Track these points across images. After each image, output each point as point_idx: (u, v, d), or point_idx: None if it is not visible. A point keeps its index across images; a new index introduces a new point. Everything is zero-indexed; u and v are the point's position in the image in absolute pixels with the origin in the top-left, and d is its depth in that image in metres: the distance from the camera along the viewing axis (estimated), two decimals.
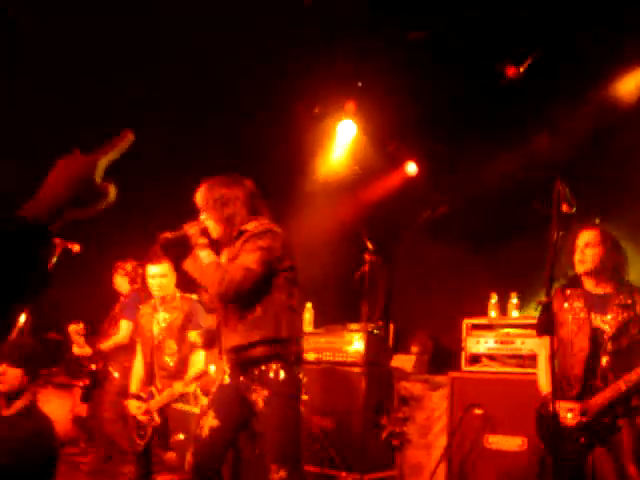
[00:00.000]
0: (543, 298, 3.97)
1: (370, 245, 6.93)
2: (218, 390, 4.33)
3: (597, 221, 4.49)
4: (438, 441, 6.34)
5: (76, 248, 6.17)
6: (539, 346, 4.71)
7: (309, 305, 7.18)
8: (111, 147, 1.68)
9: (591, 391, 4.24)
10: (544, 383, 4.45)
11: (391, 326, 7.33)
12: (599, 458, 4.46)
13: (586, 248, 4.36)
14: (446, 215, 8.63)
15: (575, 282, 4.44)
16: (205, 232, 4.30)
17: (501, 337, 5.98)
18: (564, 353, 4.37)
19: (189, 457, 4.27)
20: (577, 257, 4.37)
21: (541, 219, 4.74)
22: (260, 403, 4.07)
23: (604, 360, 4.26)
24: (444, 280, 7.98)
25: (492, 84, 7.94)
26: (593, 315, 4.34)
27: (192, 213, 4.53)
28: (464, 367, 6.15)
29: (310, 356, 6.82)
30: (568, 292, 4.44)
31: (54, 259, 5.37)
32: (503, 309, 6.26)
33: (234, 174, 4.46)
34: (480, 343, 6.08)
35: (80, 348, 7.03)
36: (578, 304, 4.37)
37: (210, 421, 4.20)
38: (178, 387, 5.80)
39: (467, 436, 5.88)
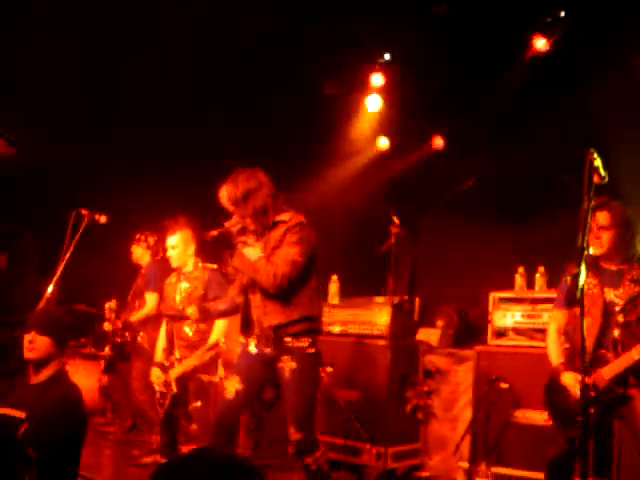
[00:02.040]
0: (573, 268, 3.96)
1: (396, 219, 6.90)
2: (243, 358, 4.81)
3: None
4: (463, 415, 6.33)
5: (103, 219, 6.20)
6: (550, 319, 4.87)
7: (335, 277, 7.16)
8: None
9: (601, 363, 4.27)
10: (554, 355, 4.54)
11: (416, 299, 7.31)
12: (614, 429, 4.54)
13: (599, 231, 4.39)
14: (474, 189, 8.56)
15: (590, 259, 4.44)
16: (244, 229, 4.71)
17: (528, 311, 5.94)
18: (575, 328, 4.41)
19: (213, 417, 4.96)
20: (592, 240, 4.38)
21: (569, 192, 4.71)
22: (287, 373, 4.57)
23: (615, 332, 4.31)
24: (470, 254, 7.93)
25: (521, 57, 7.87)
26: (606, 290, 4.39)
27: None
28: (490, 341, 6.12)
29: (335, 328, 6.82)
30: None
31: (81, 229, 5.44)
32: (530, 283, 6.21)
33: (245, 169, 4.73)
34: (507, 317, 6.04)
35: (111, 324, 7.12)
36: (592, 280, 4.38)
37: (235, 385, 4.68)
38: (191, 360, 5.87)
39: (492, 410, 5.86)
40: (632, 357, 4.18)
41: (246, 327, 4.82)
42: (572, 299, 3.85)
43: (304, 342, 4.58)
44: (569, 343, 4.60)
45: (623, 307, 4.32)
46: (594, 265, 4.42)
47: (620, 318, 4.32)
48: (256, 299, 4.72)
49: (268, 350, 4.65)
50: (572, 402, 4.30)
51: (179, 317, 6.13)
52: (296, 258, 4.54)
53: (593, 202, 3.84)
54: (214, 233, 4.69)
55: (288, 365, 4.56)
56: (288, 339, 4.58)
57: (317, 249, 4.72)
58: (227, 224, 4.71)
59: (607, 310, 4.35)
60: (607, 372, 4.23)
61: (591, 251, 4.39)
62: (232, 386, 4.69)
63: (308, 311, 4.64)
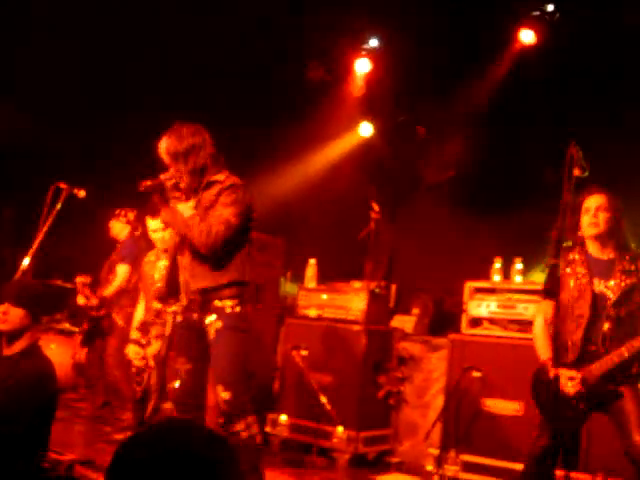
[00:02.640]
0: (551, 260, 3.95)
1: (376, 205, 6.90)
2: (177, 335, 4.70)
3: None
4: (435, 402, 6.37)
5: (82, 194, 6.14)
6: (537, 310, 4.68)
7: (313, 261, 7.17)
8: None
9: (590, 357, 4.21)
10: (543, 349, 4.41)
11: (393, 286, 7.33)
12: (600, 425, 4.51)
13: (598, 212, 4.27)
14: (453, 179, 8.59)
15: (578, 246, 4.40)
16: (177, 185, 4.49)
17: (503, 301, 5.96)
18: (563, 318, 4.32)
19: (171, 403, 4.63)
20: (588, 220, 4.29)
21: (547, 185, 4.73)
22: (212, 333, 4.40)
23: (605, 326, 4.21)
24: (448, 243, 7.96)
25: (507, 48, 7.89)
26: (596, 281, 4.28)
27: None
28: (465, 330, 6.15)
29: (312, 312, 6.83)
30: (571, 256, 4.40)
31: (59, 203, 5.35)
32: (507, 274, 6.25)
33: (189, 123, 4.52)
34: (482, 306, 6.06)
35: (85, 298, 7.05)
36: (581, 270, 4.31)
37: (184, 365, 4.54)
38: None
39: (464, 398, 5.90)
40: (622, 354, 4.09)
41: (172, 291, 4.63)
42: (550, 290, 3.85)
43: (230, 303, 4.40)
44: (555, 334, 4.53)
45: (616, 300, 4.21)
46: (583, 252, 4.38)
47: (611, 312, 4.21)
48: (184, 261, 4.53)
49: (195, 315, 4.49)
50: (560, 397, 4.25)
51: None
52: (230, 219, 4.35)
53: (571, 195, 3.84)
54: (148, 183, 4.41)
55: (214, 325, 4.38)
56: (216, 302, 4.41)
57: (254, 213, 4.54)
58: (162, 176, 4.45)
59: (596, 302, 4.24)
60: (597, 368, 4.13)
61: (587, 233, 4.33)
62: (181, 368, 4.53)
63: (239, 276, 4.46)
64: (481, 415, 5.83)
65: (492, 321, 6.04)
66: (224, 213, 4.36)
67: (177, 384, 4.56)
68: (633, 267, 4.24)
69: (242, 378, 4.45)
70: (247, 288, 4.53)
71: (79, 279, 7.16)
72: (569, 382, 4.18)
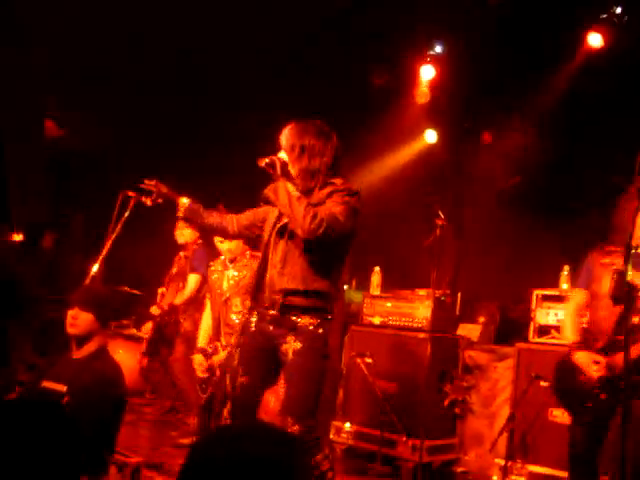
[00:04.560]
0: (619, 267, 3.89)
1: (441, 214, 6.86)
2: (245, 345, 4.28)
3: None
4: (501, 412, 6.28)
5: (149, 202, 6.22)
6: (571, 298, 4.79)
7: (377, 269, 7.15)
8: None
9: (619, 347, 4.11)
10: (570, 333, 4.43)
11: (459, 294, 7.27)
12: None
13: None
14: (519, 185, 8.49)
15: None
16: (287, 168, 4.13)
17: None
18: (596, 307, 4.38)
19: (226, 414, 4.28)
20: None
21: (617, 192, 4.65)
22: (290, 354, 4.06)
23: (636, 319, 4.15)
24: (515, 251, 7.87)
25: (574, 53, 7.78)
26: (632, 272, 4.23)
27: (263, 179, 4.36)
28: (532, 338, 6.06)
29: (376, 320, 6.81)
30: (612, 248, 4.39)
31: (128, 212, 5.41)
32: (575, 281, 6.13)
33: (324, 124, 4.28)
34: (550, 315, 5.98)
35: (160, 309, 7.17)
36: (619, 261, 4.25)
37: (239, 378, 4.20)
38: None
39: (531, 408, 5.81)
40: None
41: (256, 292, 4.27)
42: (617, 297, 3.78)
43: (313, 320, 4.03)
44: (588, 324, 4.52)
45: None
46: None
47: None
48: (275, 258, 4.16)
49: (271, 328, 4.13)
50: (583, 383, 4.21)
51: (225, 304, 6.13)
52: (338, 216, 3.96)
53: None
54: (266, 160, 4.07)
55: (292, 345, 4.02)
56: (295, 317, 4.04)
57: (358, 229, 4.18)
58: (281, 155, 4.15)
59: (629, 293, 3.96)
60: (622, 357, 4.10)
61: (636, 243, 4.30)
62: (237, 380, 4.20)
63: (328, 288, 4.10)
64: (548, 425, 5.73)
65: (560, 329, 5.94)
66: (333, 209, 4.00)
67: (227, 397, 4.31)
68: None
69: (315, 411, 4.10)
70: (332, 305, 4.19)
71: (161, 290, 7.29)
72: (593, 366, 4.15)
